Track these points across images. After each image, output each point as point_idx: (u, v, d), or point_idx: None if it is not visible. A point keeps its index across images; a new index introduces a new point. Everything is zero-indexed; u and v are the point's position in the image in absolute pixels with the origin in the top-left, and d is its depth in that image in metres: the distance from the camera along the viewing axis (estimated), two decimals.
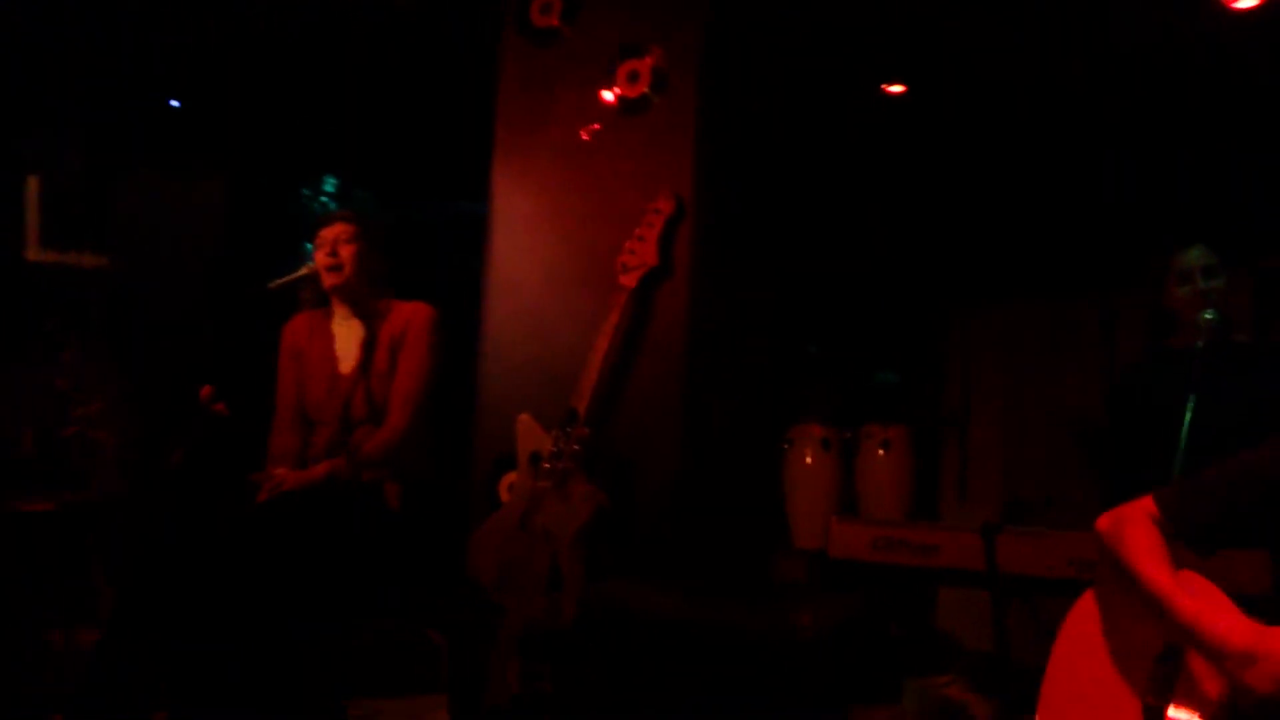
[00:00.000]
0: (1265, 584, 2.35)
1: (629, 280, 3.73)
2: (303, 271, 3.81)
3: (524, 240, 3.99)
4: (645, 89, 3.84)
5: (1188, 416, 3.23)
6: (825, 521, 4.35)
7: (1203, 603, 2.25)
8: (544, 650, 3.59)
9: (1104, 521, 2.41)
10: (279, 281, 3.81)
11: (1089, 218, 4.90)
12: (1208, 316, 3.50)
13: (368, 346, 3.77)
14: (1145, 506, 2.38)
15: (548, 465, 3.74)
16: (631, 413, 3.79)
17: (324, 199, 5.28)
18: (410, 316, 3.79)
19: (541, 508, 3.73)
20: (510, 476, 3.87)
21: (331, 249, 3.75)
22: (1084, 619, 2.49)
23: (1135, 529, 2.35)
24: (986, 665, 3.99)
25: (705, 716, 3.26)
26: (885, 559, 3.68)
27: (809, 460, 5.52)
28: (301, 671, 3.50)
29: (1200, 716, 2.19)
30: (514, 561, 3.74)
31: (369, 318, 3.81)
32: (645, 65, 3.82)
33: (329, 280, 3.78)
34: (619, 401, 3.78)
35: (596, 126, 3.85)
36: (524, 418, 3.82)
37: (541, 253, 3.96)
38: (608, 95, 3.87)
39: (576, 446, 3.70)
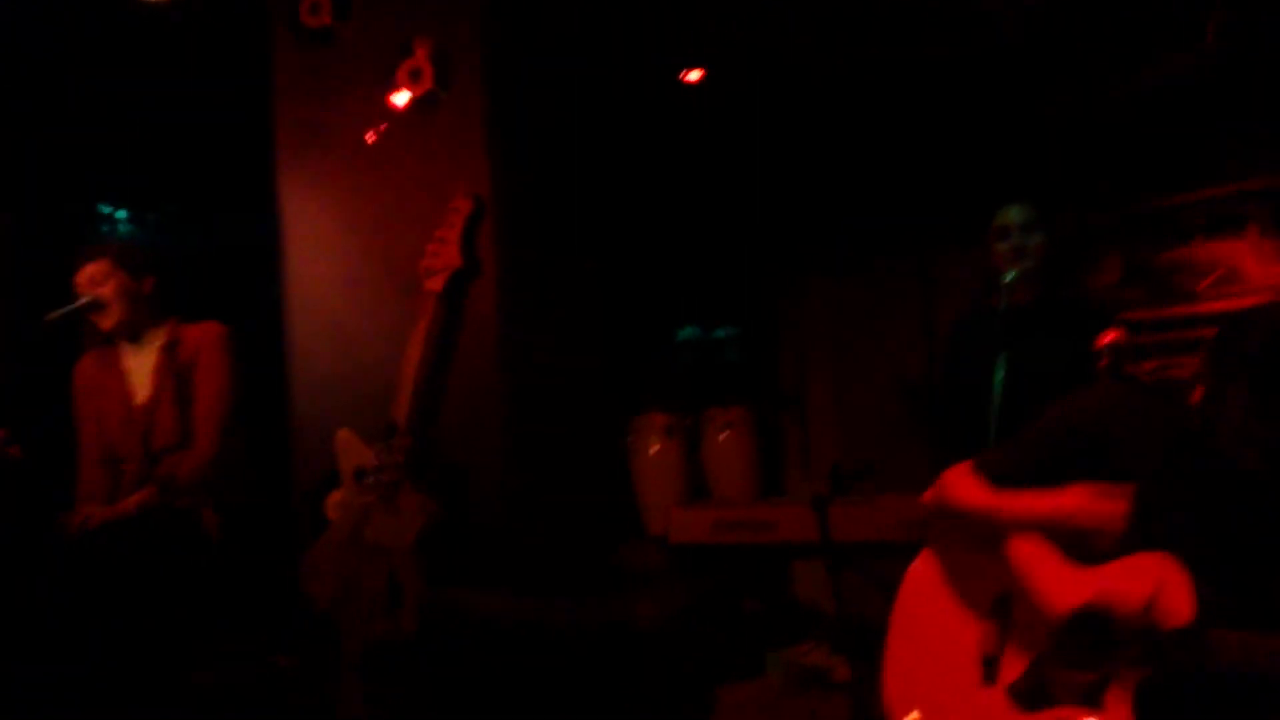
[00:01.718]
0: None
1: (435, 284, 3.62)
2: (82, 301, 3.70)
3: (321, 251, 3.84)
4: (431, 85, 3.72)
5: (999, 375, 3.29)
6: None
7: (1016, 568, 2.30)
8: (388, 666, 3.49)
9: (929, 494, 2.43)
10: (56, 314, 3.68)
11: (902, 181, 4.97)
12: (1008, 278, 3.57)
13: (160, 374, 3.71)
14: (963, 466, 2.41)
15: (372, 479, 3.62)
16: (454, 417, 3.68)
17: (120, 225, 5.04)
18: (200, 338, 3.74)
19: (371, 523, 3.62)
20: (335, 495, 3.74)
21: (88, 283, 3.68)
22: (920, 578, 2.54)
23: (961, 483, 2.39)
24: (842, 629, 4.02)
25: (562, 716, 3.20)
26: (727, 540, 3.68)
27: (654, 449, 5.50)
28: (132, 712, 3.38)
29: (1034, 656, 2.22)
30: (349, 580, 3.63)
31: (156, 345, 3.75)
32: (424, 61, 3.70)
33: (102, 323, 3.73)
34: (440, 407, 3.67)
35: (384, 127, 3.71)
36: (343, 433, 3.69)
37: (341, 262, 3.81)
38: (397, 99, 3.73)
39: (400, 457, 3.59)
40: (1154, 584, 2.09)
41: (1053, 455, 2.34)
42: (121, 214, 4.71)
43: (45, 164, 4.60)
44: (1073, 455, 2.31)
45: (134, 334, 3.76)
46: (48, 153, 4.56)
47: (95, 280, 3.69)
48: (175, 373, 3.69)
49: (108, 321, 3.72)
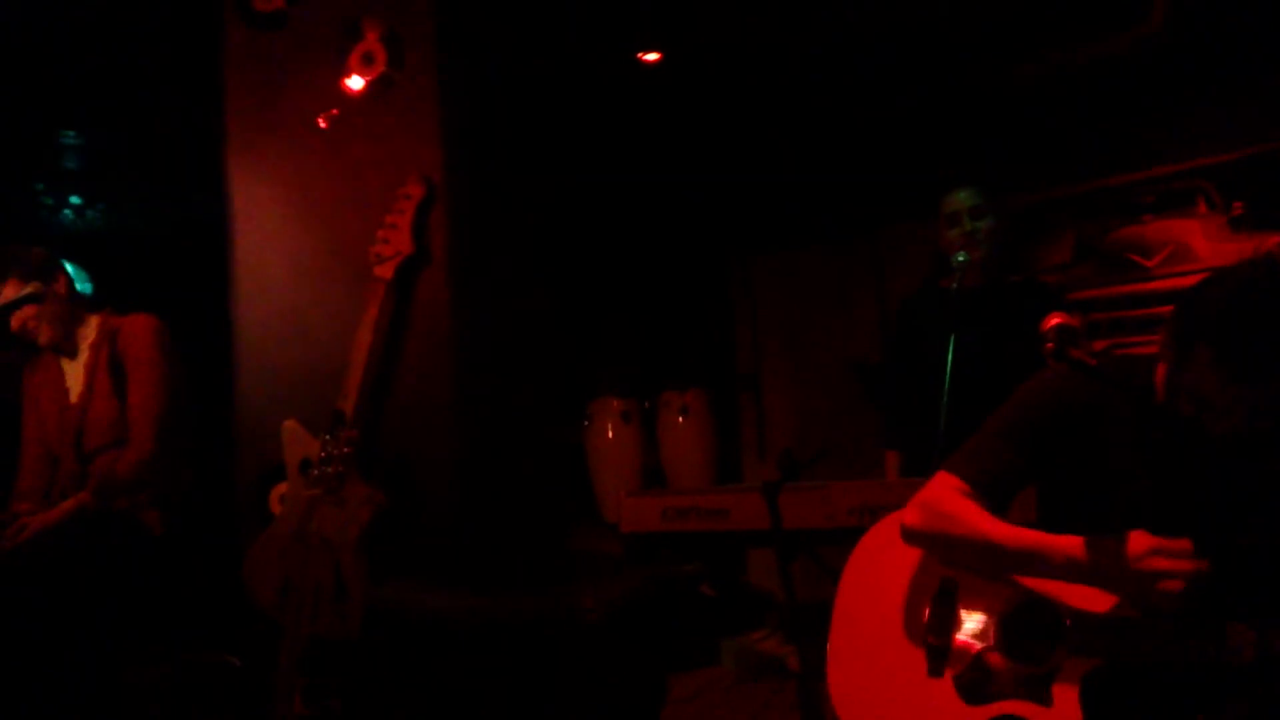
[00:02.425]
0: (1030, 515, 2.38)
1: (385, 271, 3.55)
2: (19, 294, 3.58)
3: (270, 237, 3.75)
4: (383, 68, 3.65)
5: (949, 357, 3.30)
6: None
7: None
8: (329, 665, 3.43)
9: (911, 515, 2.36)
10: None
11: (853, 158, 4.95)
12: (960, 259, 3.59)
13: (91, 371, 3.68)
14: (945, 481, 2.36)
15: (318, 472, 3.55)
16: (403, 408, 3.61)
17: (68, 211, 4.95)
18: (131, 330, 3.69)
19: (316, 516, 3.54)
20: (280, 487, 3.67)
21: (10, 313, 3.65)
22: (863, 566, 2.51)
23: (951, 503, 2.32)
24: (792, 616, 4.02)
25: (511, 713, 3.16)
26: (678, 528, 3.65)
27: (610, 434, 5.49)
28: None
29: (980, 647, 2.21)
30: (293, 576, 3.55)
31: (89, 340, 3.72)
32: (375, 44, 3.62)
33: (39, 341, 3.70)
34: (388, 397, 3.60)
35: (335, 112, 3.63)
36: (289, 424, 3.62)
37: (290, 249, 3.73)
38: (351, 83, 3.65)
39: (347, 449, 3.51)
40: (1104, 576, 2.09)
41: (1025, 450, 2.32)
42: (73, 200, 4.61)
43: None
44: (1041, 445, 2.30)
45: (63, 337, 3.72)
46: None
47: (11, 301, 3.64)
48: (107, 369, 3.64)
49: (39, 339, 3.69)
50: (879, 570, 2.44)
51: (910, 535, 2.36)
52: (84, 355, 3.72)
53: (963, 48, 4.52)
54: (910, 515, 2.36)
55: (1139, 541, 2.08)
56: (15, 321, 3.66)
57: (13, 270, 3.66)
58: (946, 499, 2.33)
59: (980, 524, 2.27)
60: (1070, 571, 2.15)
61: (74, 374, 3.74)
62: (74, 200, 4.82)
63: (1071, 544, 2.16)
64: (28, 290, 3.63)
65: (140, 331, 3.66)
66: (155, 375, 3.63)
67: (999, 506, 2.34)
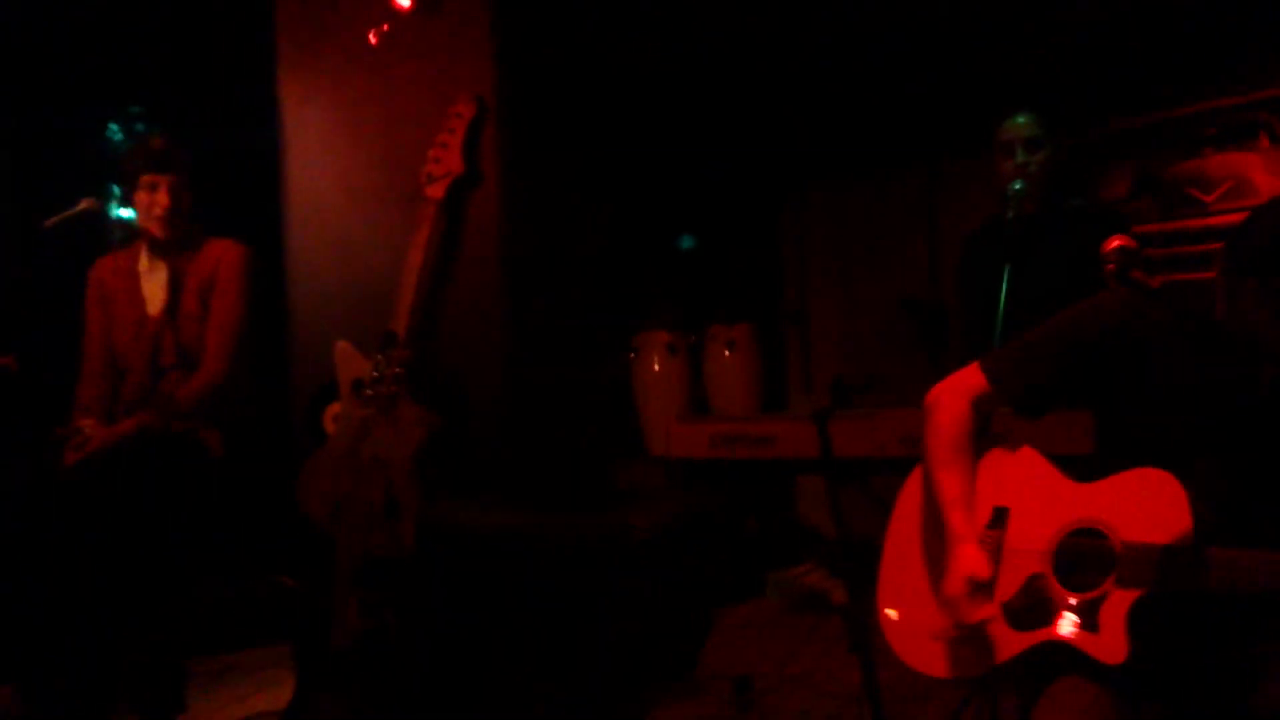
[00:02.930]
0: (1086, 446, 2.36)
1: (435, 191, 3.56)
2: (80, 207, 3.64)
3: (321, 159, 3.77)
4: None
5: (1004, 287, 3.25)
6: None
7: (1008, 481, 2.27)
8: (383, 581, 3.49)
9: (930, 396, 2.39)
10: (55, 219, 3.61)
11: (907, 89, 4.87)
12: (1016, 187, 3.52)
13: (174, 287, 3.64)
14: (970, 378, 2.37)
15: (371, 392, 3.59)
16: (454, 329, 3.64)
17: (119, 131, 4.97)
18: (221, 256, 3.66)
19: (370, 436, 3.59)
20: (334, 407, 3.71)
21: (152, 187, 3.59)
22: (914, 496, 2.50)
23: (946, 416, 2.35)
24: (840, 550, 4.02)
25: (557, 629, 3.21)
26: (724, 455, 3.66)
27: (656, 367, 5.49)
28: (134, 635, 3.38)
29: (1030, 574, 2.20)
30: (346, 493, 3.62)
31: (178, 257, 3.67)
32: None
33: (150, 220, 3.62)
34: (440, 318, 3.63)
35: (385, 28, 3.61)
36: (341, 345, 3.66)
37: (341, 170, 3.75)
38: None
39: (399, 369, 3.55)
40: (1151, 500, 2.07)
41: (1067, 361, 2.28)
42: (140, 126, 4.62)
43: (39, 70, 4.52)
44: (1087, 364, 2.27)
45: (166, 240, 3.67)
46: (42, 58, 4.48)
47: (174, 189, 3.60)
48: (192, 287, 3.63)
49: (161, 230, 3.63)
50: (931, 499, 2.43)
51: (924, 409, 2.39)
52: (169, 268, 3.68)
53: None
54: (930, 394, 2.39)
55: (961, 565, 2.18)
56: (160, 209, 3.62)
57: (188, 169, 3.65)
58: (950, 403, 2.34)
59: (937, 449, 2.32)
60: (948, 549, 2.24)
61: (155, 286, 3.69)
62: (127, 121, 4.84)
63: (957, 529, 2.24)
64: (186, 189, 3.62)
65: (230, 258, 3.65)
66: (238, 306, 3.62)
67: (1030, 413, 2.35)
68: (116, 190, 3.92)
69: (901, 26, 4.69)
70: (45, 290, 3.94)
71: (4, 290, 4.22)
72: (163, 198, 3.57)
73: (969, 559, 2.20)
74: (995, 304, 3.31)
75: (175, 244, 3.66)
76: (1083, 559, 2.14)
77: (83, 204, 3.63)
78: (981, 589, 2.17)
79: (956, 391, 2.37)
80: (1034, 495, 2.26)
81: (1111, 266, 2.10)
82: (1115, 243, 2.13)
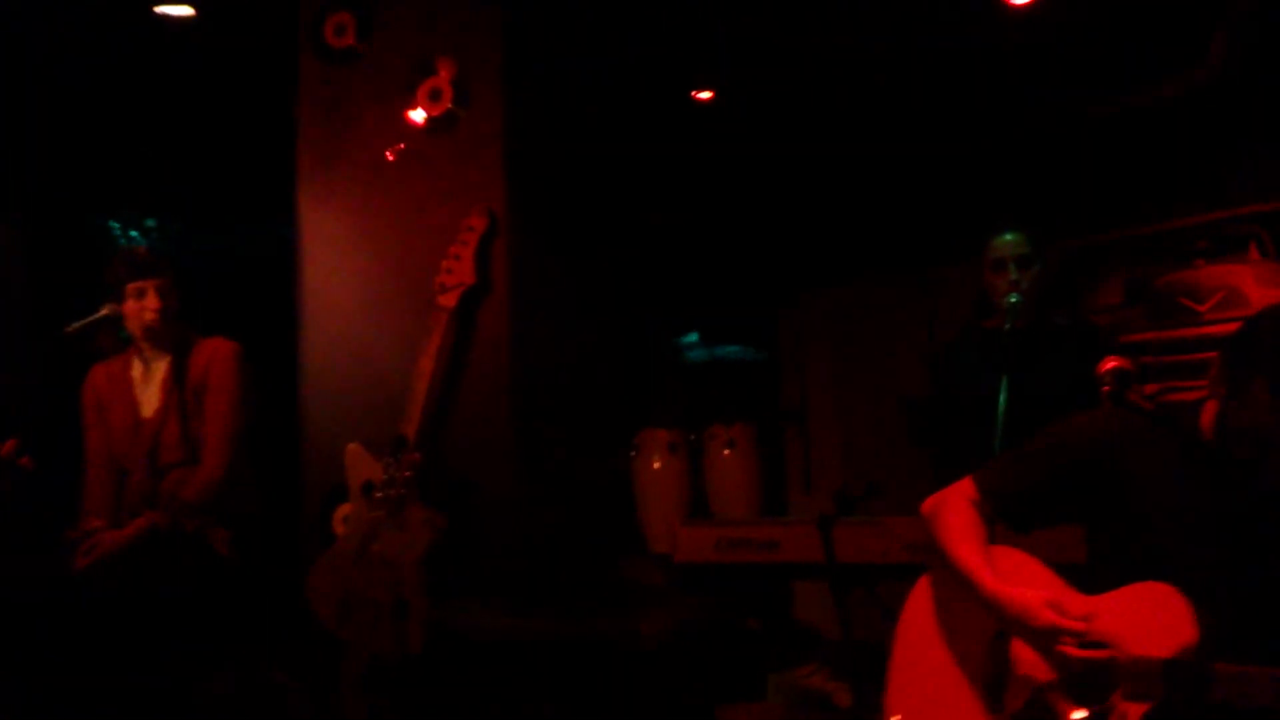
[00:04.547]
0: (1080, 554, 2.40)
1: (448, 300, 3.66)
2: (102, 313, 3.70)
3: (336, 265, 3.88)
4: (449, 105, 3.78)
5: (1002, 397, 3.32)
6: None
7: (1013, 578, 2.30)
8: (390, 683, 3.50)
9: (928, 504, 2.46)
10: (76, 325, 3.68)
11: (903, 198, 5.00)
12: (1013, 300, 3.60)
13: (169, 387, 3.70)
14: (964, 488, 2.43)
15: (381, 494, 3.64)
16: (463, 433, 3.71)
17: (134, 233, 5.07)
18: (212, 354, 3.72)
19: (379, 537, 3.64)
20: (344, 508, 3.76)
21: (140, 294, 3.65)
22: (922, 604, 2.53)
23: (951, 513, 2.41)
24: (846, 652, 4.03)
25: None
26: (730, 559, 3.68)
27: (656, 465, 5.50)
28: None
29: (1038, 685, 2.23)
30: (354, 594, 3.65)
31: (169, 358, 3.73)
32: (444, 81, 3.75)
33: (141, 325, 3.69)
34: (449, 422, 3.71)
35: (401, 146, 3.75)
36: (353, 447, 3.72)
37: (356, 276, 3.85)
38: (415, 116, 3.78)
39: (409, 472, 3.61)
40: (1156, 614, 2.11)
41: (1053, 479, 2.35)
42: (149, 222, 4.72)
43: (62, 176, 4.63)
44: (1076, 480, 2.32)
45: (157, 343, 3.73)
46: (67, 164, 4.59)
47: (162, 292, 3.66)
48: (185, 387, 3.68)
49: (152, 333, 3.69)
50: (939, 607, 2.47)
51: (923, 518, 2.46)
52: (162, 371, 3.74)
53: (1015, 90, 4.57)
54: (927, 503, 2.46)
55: (1032, 598, 2.18)
56: (150, 314, 3.67)
57: (170, 273, 3.71)
58: (952, 504, 2.41)
59: (953, 539, 2.36)
60: (998, 615, 2.25)
61: (149, 388, 3.76)
62: (148, 223, 4.94)
63: (997, 589, 2.24)
64: (171, 293, 3.67)
65: (221, 355, 3.71)
66: (234, 401, 3.67)
67: (1019, 527, 2.41)
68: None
69: (900, 137, 4.83)
70: (59, 392, 4.00)
71: (21, 393, 4.26)
72: (152, 300, 3.64)
73: (1022, 594, 2.22)
74: (991, 413, 3.37)
75: (166, 346, 3.73)
76: (1090, 672, 2.17)
77: (103, 310, 3.68)
78: (1057, 606, 2.18)
79: (954, 496, 2.44)
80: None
81: (1107, 388, 2.16)
82: (1111, 364, 2.20)
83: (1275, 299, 3.86)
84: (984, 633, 2.36)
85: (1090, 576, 2.29)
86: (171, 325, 3.70)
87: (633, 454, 5.54)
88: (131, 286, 3.66)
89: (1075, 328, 3.88)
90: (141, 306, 3.66)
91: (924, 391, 4.92)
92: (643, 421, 5.55)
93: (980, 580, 2.30)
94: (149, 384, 3.76)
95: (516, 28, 3.73)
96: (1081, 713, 2.15)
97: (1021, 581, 2.31)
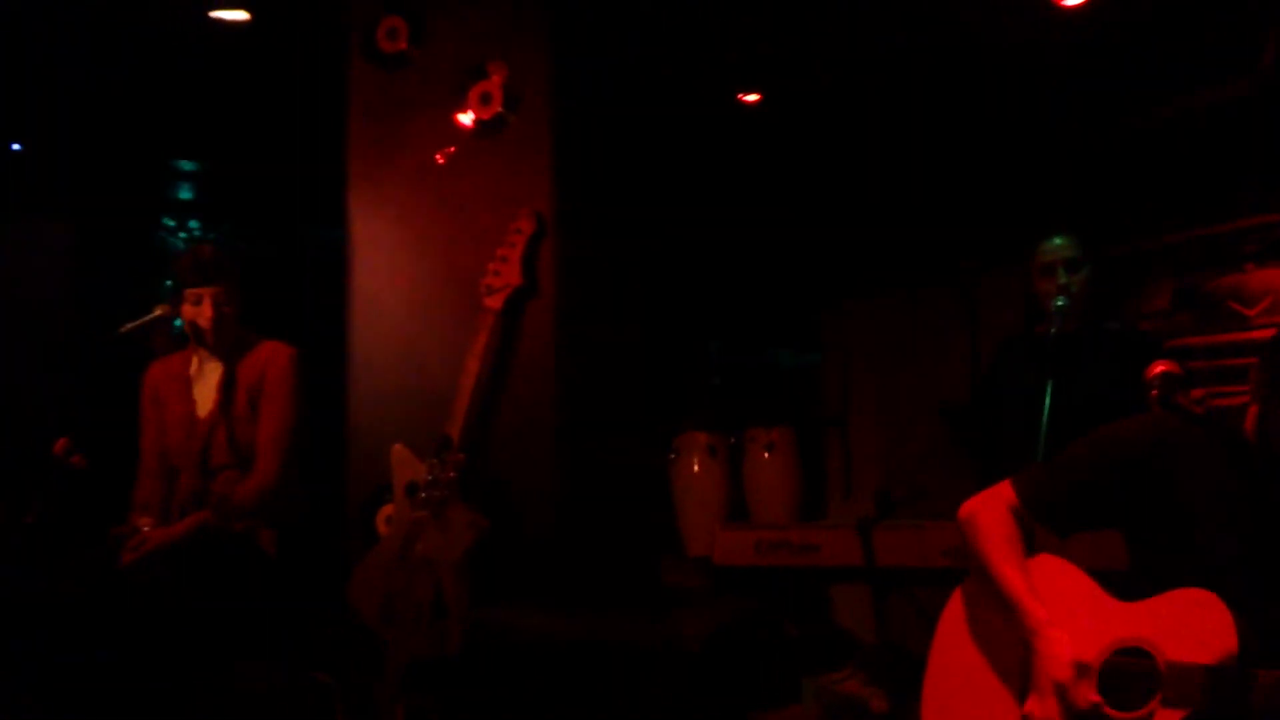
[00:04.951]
0: (1121, 561, 2.40)
1: (495, 302, 3.70)
2: (155, 314, 3.73)
3: (385, 267, 3.93)
4: (499, 109, 3.83)
5: (1047, 402, 3.30)
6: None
7: (1052, 586, 2.30)
8: (430, 682, 3.53)
9: (965, 510, 2.45)
10: (130, 325, 3.72)
11: (948, 201, 4.99)
12: (1059, 303, 3.59)
13: (224, 389, 3.71)
14: (1003, 492, 2.43)
15: (424, 495, 3.68)
16: (507, 435, 3.75)
17: (183, 234, 5.15)
18: (270, 358, 3.72)
19: (421, 537, 3.67)
20: (387, 508, 3.80)
21: (196, 300, 3.65)
22: (960, 610, 2.52)
23: (989, 519, 2.40)
24: (882, 658, 4.02)
25: None
26: (769, 562, 3.69)
27: (696, 468, 5.51)
28: None
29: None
30: (396, 594, 3.68)
31: (227, 359, 3.73)
32: (495, 85, 3.80)
33: (198, 331, 3.69)
34: (493, 424, 3.74)
35: (451, 150, 3.80)
36: (398, 448, 3.75)
37: (404, 279, 3.91)
38: (463, 119, 3.83)
39: (452, 474, 3.65)
40: (1198, 621, 2.10)
41: (1096, 483, 2.34)
42: (192, 224, 4.81)
43: (115, 178, 4.72)
44: (1123, 483, 2.31)
45: (216, 343, 3.72)
46: (120, 167, 4.67)
47: (218, 301, 3.65)
48: (240, 389, 3.69)
49: (212, 337, 3.68)
50: (977, 614, 2.46)
51: (960, 524, 2.43)
52: (219, 371, 3.74)
53: (1067, 95, 4.55)
54: (964, 509, 2.44)
55: (1061, 652, 2.17)
56: (205, 321, 3.66)
57: (236, 277, 3.71)
58: (989, 509, 2.39)
59: (990, 547, 2.35)
60: (1030, 640, 2.24)
61: (205, 388, 3.76)
62: (192, 225, 5.03)
63: (1038, 626, 2.24)
64: (234, 296, 3.67)
65: (279, 360, 3.70)
66: (288, 407, 3.66)
67: (1060, 531, 2.40)
68: (169, 285, 4.03)
69: (946, 141, 4.83)
70: (111, 392, 4.05)
71: (73, 392, 4.33)
72: (206, 310, 3.63)
73: (1062, 643, 2.22)
74: (1036, 417, 3.36)
75: (221, 351, 3.73)
76: (1128, 679, 2.16)
77: (157, 310, 3.71)
78: (1085, 671, 2.18)
79: (992, 502, 2.43)
80: (1077, 612, 2.28)
81: (1156, 391, 2.16)
82: (1159, 368, 2.19)
83: None
84: (1021, 642, 2.35)
85: (1131, 582, 2.28)
86: (228, 331, 3.70)
87: (672, 456, 5.56)
88: (189, 292, 3.66)
89: (1124, 333, 3.86)
90: (197, 312, 3.66)
91: (966, 396, 4.91)
92: (682, 424, 5.56)
93: (1018, 601, 2.29)
94: (206, 383, 3.76)
95: (564, 32, 3.78)
96: (1121, 719, 2.14)
97: (1060, 591, 2.31)
